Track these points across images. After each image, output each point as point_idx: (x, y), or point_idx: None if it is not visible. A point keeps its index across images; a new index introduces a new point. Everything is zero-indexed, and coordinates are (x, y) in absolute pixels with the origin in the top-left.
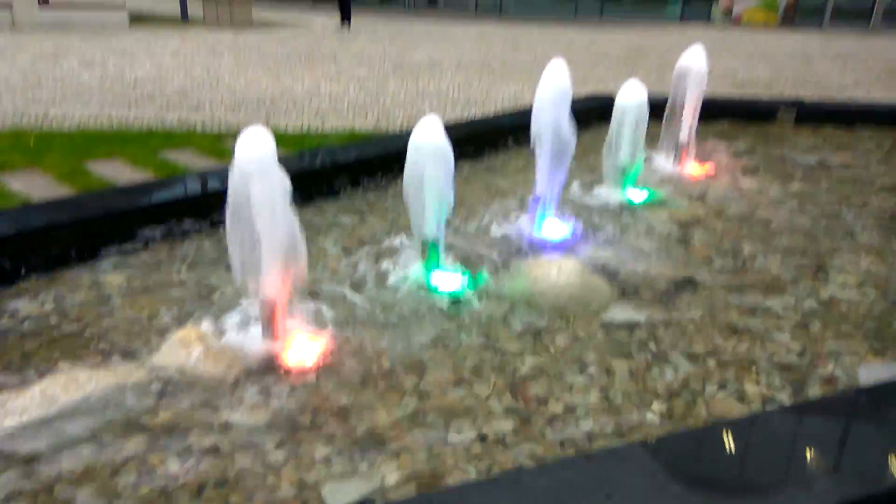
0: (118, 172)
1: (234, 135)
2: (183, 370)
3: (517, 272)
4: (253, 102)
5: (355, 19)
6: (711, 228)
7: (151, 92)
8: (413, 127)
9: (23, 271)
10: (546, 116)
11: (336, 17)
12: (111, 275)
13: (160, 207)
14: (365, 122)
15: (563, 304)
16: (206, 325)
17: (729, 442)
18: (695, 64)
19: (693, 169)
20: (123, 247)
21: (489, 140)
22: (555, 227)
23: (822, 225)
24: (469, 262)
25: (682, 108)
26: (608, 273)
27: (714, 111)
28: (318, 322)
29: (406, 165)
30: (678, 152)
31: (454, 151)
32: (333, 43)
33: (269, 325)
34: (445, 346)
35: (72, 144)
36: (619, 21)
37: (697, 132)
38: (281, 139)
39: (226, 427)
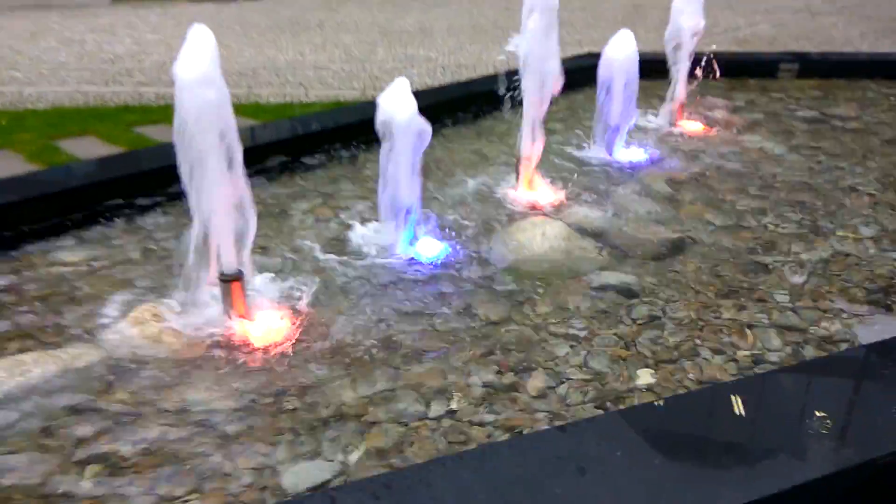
0: (89, 149)
1: None
2: (136, 350)
3: (500, 237)
4: (234, 74)
5: None
6: (707, 186)
7: (130, 68)
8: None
9: None
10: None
11: None
12: (69, 252)
13: (118, 182)
14: (351, 92)
15: (548, 269)
16: (164, 303)
17: (718, 406)
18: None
19: (690, 126)
20: (82, 223)
21: (474, 103)
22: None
23: (823, 180)
24: (450, 228)
25: (678, 59)
26: (596, 235)
27: (714, 67)
28: (287, 295)
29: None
30: (674, 108)
31: (436, 115)
32: (320, 11)
33: (231, 300)
34: (422, 315)
35: (45, 123)
36: None
37: (696, 89)
38: (262, 109)
39: (181, 410)
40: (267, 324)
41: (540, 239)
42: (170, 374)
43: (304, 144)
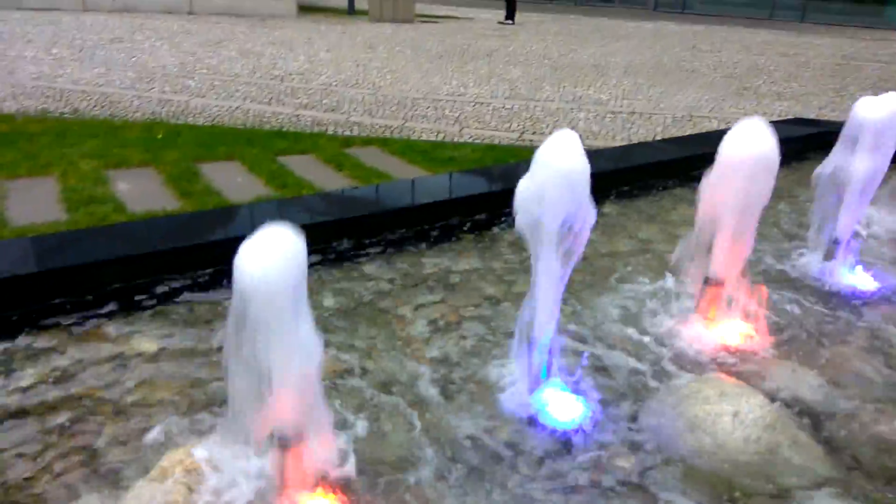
0: (228, 177)
1: (363, 140)
2: None
3: (665, 405)
4: (393, 103)
5: (523, 14)
6: None
7: (296, 87)
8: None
9: None
10: None
11: (502, 12)
12: (139, 339)
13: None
14: (508, 133)
15: (739, 477)
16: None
17: None
18: None
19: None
20: (135, 300)
21: (644, 174)
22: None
23: None
24: (596, 377)
25: None
26: (813, 422)
27: None
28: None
29: None
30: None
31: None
32: (492, 40)
33: (283, 473)
34: None
35: (197, 141)
36: (823, 24)
37: None
38: (411, 147)
39: None
40: None
41: (731, 422)
42: None
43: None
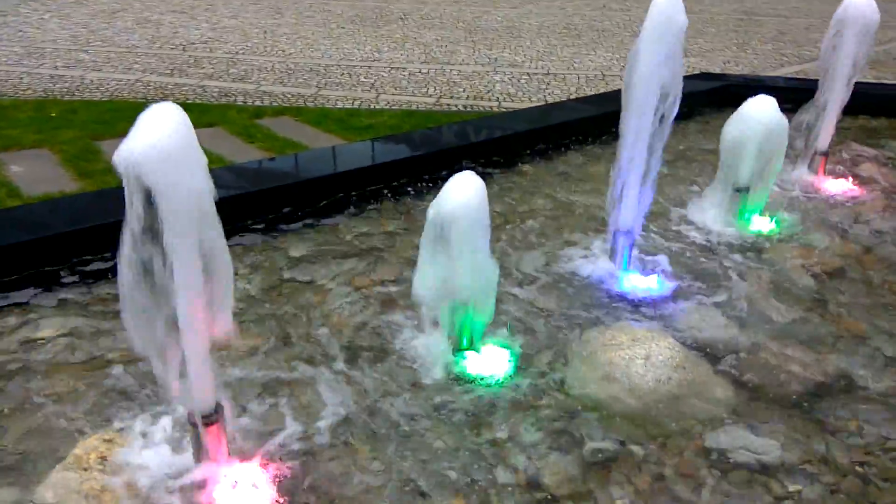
0: None
1: (274, 110)
2: None
3: (582, 353)
4: (304, 71)
5: None
6: (867, 282)
7: (199, 57)
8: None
9: None
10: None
11: None
12: (41, 326)
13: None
14: (425, 98)
15: (651, 416)
16: (129, 427)
17: None
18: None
19: (835, 184)
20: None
21: (560, 134)
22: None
23: None
24: (519, 328)
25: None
26: (716, 358)
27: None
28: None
29: None
30: (815, 160)
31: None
32: (404, 2)
33: (200, 443)
34: (461, 488)
35: (95, 118)
36: None
37: (840, 131)
38: (327, 115)
39: None
40: (252, 477)
41: (643, 365)
42: None
43: None
